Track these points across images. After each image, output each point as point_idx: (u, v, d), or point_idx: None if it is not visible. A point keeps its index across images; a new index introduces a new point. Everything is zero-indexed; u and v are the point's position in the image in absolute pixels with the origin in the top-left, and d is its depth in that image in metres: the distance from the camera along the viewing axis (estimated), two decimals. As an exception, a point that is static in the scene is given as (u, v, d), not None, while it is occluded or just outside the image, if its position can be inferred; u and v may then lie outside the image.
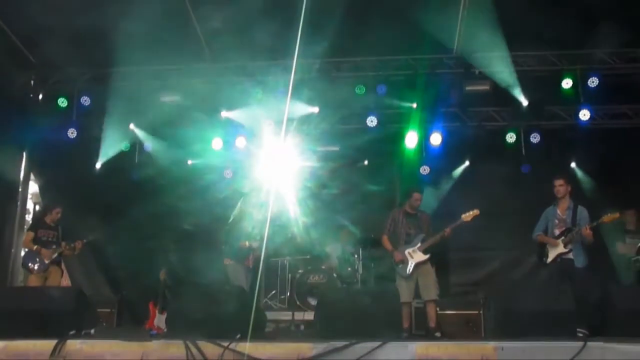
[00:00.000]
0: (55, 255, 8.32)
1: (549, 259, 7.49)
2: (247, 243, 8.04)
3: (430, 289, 7.57)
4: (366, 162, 10.91)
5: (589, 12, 8.15)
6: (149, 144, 10.60)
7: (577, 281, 7.02)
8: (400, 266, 7.65)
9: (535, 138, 9.88)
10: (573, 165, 10.25)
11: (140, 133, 10.64)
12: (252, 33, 8.60)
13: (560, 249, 7.37)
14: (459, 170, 10.69)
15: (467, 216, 7.66)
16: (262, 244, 8.10)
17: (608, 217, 7.19)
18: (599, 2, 8.09)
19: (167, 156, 10.76)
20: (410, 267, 7.59)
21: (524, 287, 7.82)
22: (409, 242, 7.74)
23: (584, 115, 9.43)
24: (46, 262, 8.23)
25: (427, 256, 7.63)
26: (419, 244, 7.67)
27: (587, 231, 7.16)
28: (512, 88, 9.62)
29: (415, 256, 7.63)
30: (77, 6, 8.23)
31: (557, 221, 7.58)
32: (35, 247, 8.24)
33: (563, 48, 9.43)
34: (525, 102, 9.76)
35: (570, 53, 9.47)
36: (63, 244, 8.41)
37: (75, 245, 8.51)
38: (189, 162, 10.83)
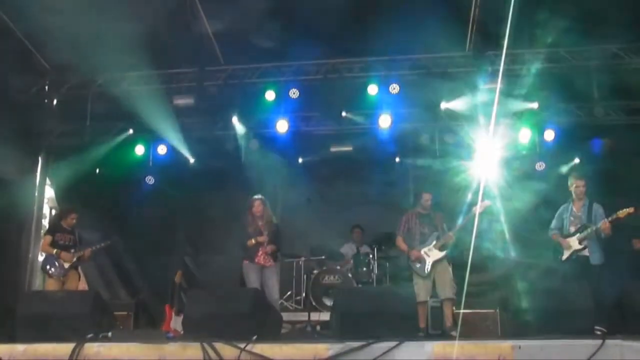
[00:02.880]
0: (75, 259, 8.38)
1: (564, 257, 7.48)
2: (253, 241, 8.06)
3: (447, 288, 7.55)
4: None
5: (597, 8, 8.09)
6: (163, 147, 10.62)
7: (592, 279, 6.97)
8: (418, 265, 7.64)
9: (549, 136, 9.81)
10: (576, 160, 10.14)
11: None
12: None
13: (575, 245, 7.36)
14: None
15: (479, 207, 7.63)
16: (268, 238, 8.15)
17: (623, 212, 7.16)
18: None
19: (180, 159, 10.83)
20: (428, 266, 7.58)
21: (540, 285, 7.78)
22: (424, 242, 7.73)
23: (599, 112, 9.34)
24: (66, 266, 8.30)
25: (443, 253, 7.63)
26: (434, 242, 7.67)
27: (605, 225, 7.13)
28: (523, 85, 9.56)
29: (431, 254, 7.62)
30: (90, 12, 8.29)
31: (572, 218, 7.58)
32: (55, 250, 8.30)
33: (574, 44, 9.33)
34: (538, 100, 9.69)
35: (581, 49, 9.38)
36: (79, 248, 8.49)
37: (93, 249, 8.59)
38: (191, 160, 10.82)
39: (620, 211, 7.16)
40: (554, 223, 7.78)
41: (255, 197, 8.37)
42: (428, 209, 7.89)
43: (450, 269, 7.70)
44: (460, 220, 7.68)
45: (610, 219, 7.18)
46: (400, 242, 7.91)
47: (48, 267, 8.29)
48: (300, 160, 11.14)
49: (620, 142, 9.71)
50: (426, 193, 7.89)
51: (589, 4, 7.95)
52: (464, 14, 8.91)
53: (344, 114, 10.17)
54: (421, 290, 7.48)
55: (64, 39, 8.85)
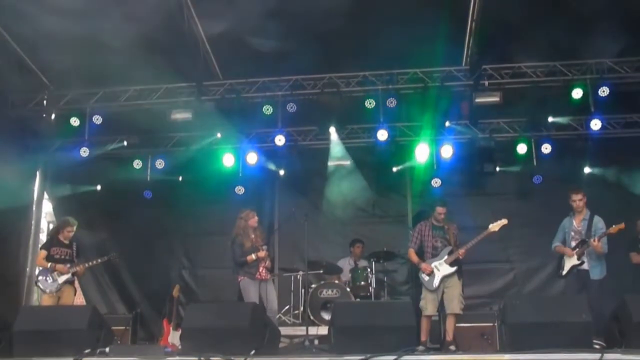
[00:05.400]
0: (70, 274, 8.37)
1: (564, 271, 7.50)
2: (253, 256, 8.03)
3: (455, 303, 7.45)
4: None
5: (595, 21, 8.14)
6: (161, 161, 10.62)
7: (591, 293, 6.98)
8: (426, 279, 7.60)
9: (546, 149, 9.84)
10: (587, 170, 10.15)
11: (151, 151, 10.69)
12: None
13: (574, 260, 7.37)
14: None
15: (495, 226, 7.61)
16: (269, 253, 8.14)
17: (614, 229, 7.20)
18: (606, 11, 8.09)
19: (178, 174, 10.84)
20: (436, 281, 7.54)
21: (539, 298, 7.77)
22: (435, 255, 7.70)
23: (595, 125, 9.37)
24: (60, 281, 8.27)
25: (453, 269, 7.56)
26: (445, 257, 7.62)
27: (595, 243, 7.15)
28: (522, 99, 9.61)
29: (442, 269, 7.57)
30: (88, 28, 8.33)
31: (573, 233, 7.58)
32: (49, 264, 8.29)
33: (572, 58, 9.39)
34: (535, 113, 9.74)
35: (579, 63, 9.43)
36: (76, 262, 8.48)
37: (90, 263, 8.59)
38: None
39: (612, 227, 7.20)
40: (556, 236, 7.78)
41: (248, 209, 8.36)
42: (442, 222, 7.86)
43: (460, 284, 7.61)
44: (475, 239, 7.63)
45: (602, 235, 7.21)
46: (412, 254, 7.86)
47: (42, 280, 8.27)
48: (297, 174, 11.13)
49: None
50: (440, 207, 7.84)
51: (585, 19, 8.01)
52: (461, 28, 8.96)
53: (331, 129, 10.19)
54: (429, 304, 7.47)
55: (63, 54, 8.91)
